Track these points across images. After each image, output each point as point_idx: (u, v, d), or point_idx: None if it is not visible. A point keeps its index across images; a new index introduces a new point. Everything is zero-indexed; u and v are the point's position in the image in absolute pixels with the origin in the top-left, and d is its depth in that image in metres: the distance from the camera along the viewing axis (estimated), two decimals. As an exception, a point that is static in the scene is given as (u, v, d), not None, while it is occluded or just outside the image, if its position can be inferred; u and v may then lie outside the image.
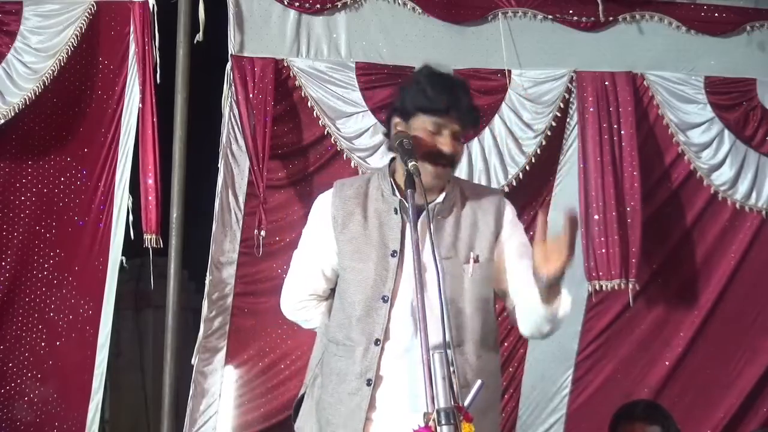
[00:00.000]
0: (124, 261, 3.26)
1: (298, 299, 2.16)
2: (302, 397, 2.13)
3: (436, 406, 1.70)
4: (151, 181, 3.16)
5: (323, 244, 2.05)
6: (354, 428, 1.95)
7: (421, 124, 1.95)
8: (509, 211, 2.13)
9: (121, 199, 3.25)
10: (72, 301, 3.26)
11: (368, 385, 1.95)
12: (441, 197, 2.01)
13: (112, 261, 3.25)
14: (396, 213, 2.00)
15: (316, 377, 2.09)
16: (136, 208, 3.24)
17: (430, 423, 1.72)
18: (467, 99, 1.98)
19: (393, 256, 1.97)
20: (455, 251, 1.99)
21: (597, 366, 3.63)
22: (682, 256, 3.72)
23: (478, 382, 1.91)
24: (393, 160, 2.07)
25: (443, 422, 1.69)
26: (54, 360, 3.23)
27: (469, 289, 1.99)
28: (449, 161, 1.97)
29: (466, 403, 1.88)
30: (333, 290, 2.12)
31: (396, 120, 2.01)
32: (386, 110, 2.12)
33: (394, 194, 2.02)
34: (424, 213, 1.93)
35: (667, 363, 3.66)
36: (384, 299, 1.96)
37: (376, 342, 1.95)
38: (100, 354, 3.25)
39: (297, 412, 2.13)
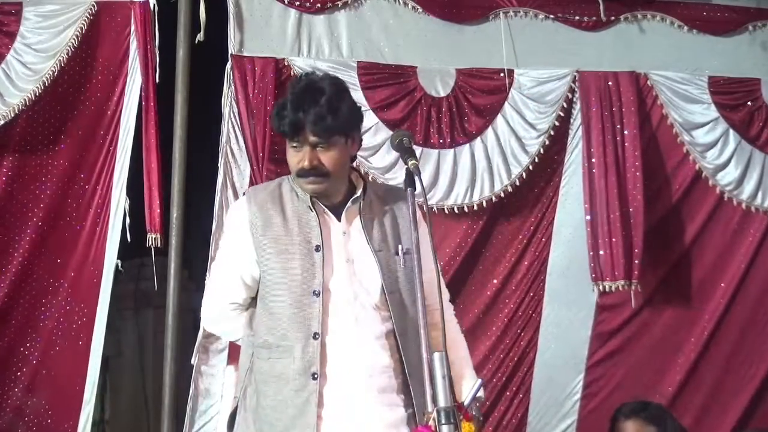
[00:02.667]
0: (119, 264, 3.25)
1: (219, 309, 2.19)
2: (235, 410, 2.14)
3: (436, 406, 1.73)
4: (154, 181, 3.17)
5: (242, 253, 2.09)
6: (305, 424, 1.96)
7: (288, 145, 2.05)
8: (418, 210, 2.21)
9: (118, 200, 3.25)
10: (66, 309, 3.23)
11: (314, 379, 1.98)
12: (358, 193, 2.09)
13: (107, 265, 3.24)
14: (311, 210, 2.09)
15: (246, 387, 2.11)
16: (134, 209, 3.24)
17: (430, 422, 1.75)
18: (316, 108, 2.00)
19: (317, 251, 2.04)
20: (385, 244, 2.08)
21: (609, 371, 3.64)
22: (692, 259, 3.74)
23: (478, 381, 1.96)
24: None
25: (443, 421, 1.72)
26: (47, 369, 3.20)
27: (404, 279, 2.07)
28: (317, 173, 2.02)
29: (465, 403, 1.92)
30: (253, 299, 2.15)
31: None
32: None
33: (306, 193, 2.10)
34: (346, 209, 2.08)
35: (679, 368, 3.68)
36: (315, 293, 2.01)
37: (315, 336, 2.00)
38: (93, 362, 3.22)
39: (232, 426, 2.14)
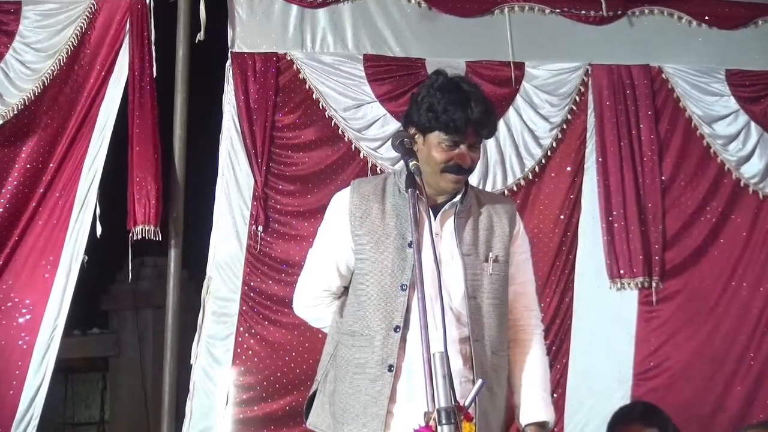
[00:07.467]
0: (85, 260, 3.26)
1: (312, 295, 2.30)
2: (314, 393, 2.29)
3: (436, 406, 1.80)
4: (152, 174, 3.23)
5: (339, 240, 2.20)
6: (374, 414, 2.08)
7: (438, 140, 2.14)
8: (520, 222, 2.34)
9: (87, 193, 3.28)
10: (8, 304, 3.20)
11: (389, 371, 2.09)
12: (458, 197, 2.21)
13: (65, 259, 3.24)
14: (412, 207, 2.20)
15: (327, 372, 2.23)
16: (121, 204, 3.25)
17: (431, 422, 1.82)
18: (481, 109, 2.13)
19: (410, 246, 2.12)
20: (475, 250, 2.17)
21: (660, 377, 3.60)
22: (732, 260, 3.73)
23: (479, 381, 2.03)
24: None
25: (444, 421, 1.78)
26: None
27: (488, 287, 2.16)
28: (467, 171, 2.18)
29: (466, 402, 1.99)
30: (346, 288, 2.28)
31: (413, 131, 2.20)
32: (402, 117, 2.30)
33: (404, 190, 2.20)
34: (443, 211, 2.19)
35: (739, 379, 3.64)
36: (402, 288, 2.12)
37: (396, 329, 2.10)
38: (36, 364, 3.15)
39: (309, 409, 2.28)
